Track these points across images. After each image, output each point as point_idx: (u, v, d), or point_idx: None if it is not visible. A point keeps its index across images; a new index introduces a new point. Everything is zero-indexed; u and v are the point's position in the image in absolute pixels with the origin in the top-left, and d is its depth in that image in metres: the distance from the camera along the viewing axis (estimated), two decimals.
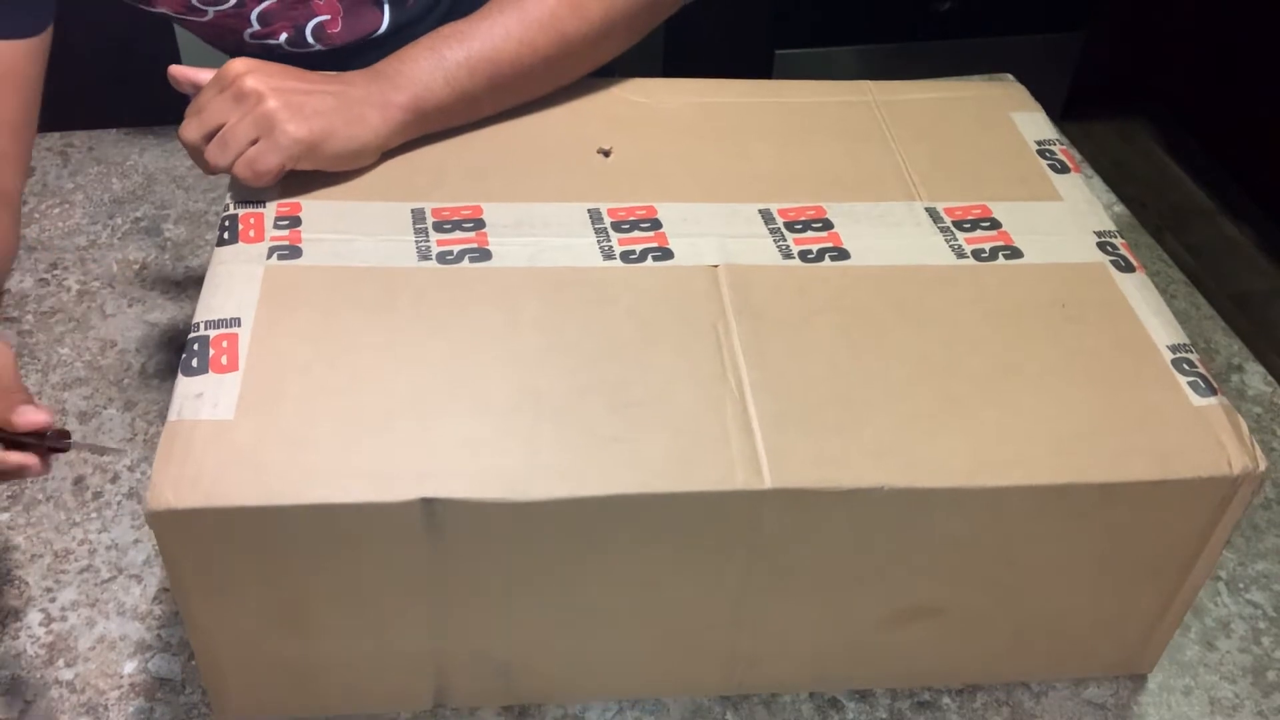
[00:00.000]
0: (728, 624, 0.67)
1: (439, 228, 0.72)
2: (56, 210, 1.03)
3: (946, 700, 0.72)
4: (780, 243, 0.74)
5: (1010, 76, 0.98)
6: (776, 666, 0.70)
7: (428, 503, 0.58)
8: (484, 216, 0.73)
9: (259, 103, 0.71)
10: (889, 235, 0.75)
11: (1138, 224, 1.09)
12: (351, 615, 0.64)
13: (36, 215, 1.02)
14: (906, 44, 2.04)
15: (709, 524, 0.62)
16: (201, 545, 0.59)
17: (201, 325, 0.65)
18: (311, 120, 0.72)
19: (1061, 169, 0.83)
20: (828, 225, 0.75)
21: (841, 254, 0.73)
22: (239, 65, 0.73)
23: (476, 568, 0.62)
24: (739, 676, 0.70)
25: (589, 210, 0.75)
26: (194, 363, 0.63)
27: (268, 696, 0.68)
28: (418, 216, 0.73)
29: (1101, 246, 0.76)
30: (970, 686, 0.73)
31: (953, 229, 0.76)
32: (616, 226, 0.74)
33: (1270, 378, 0.95)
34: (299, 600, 0.63)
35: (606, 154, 0.80)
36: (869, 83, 0.89)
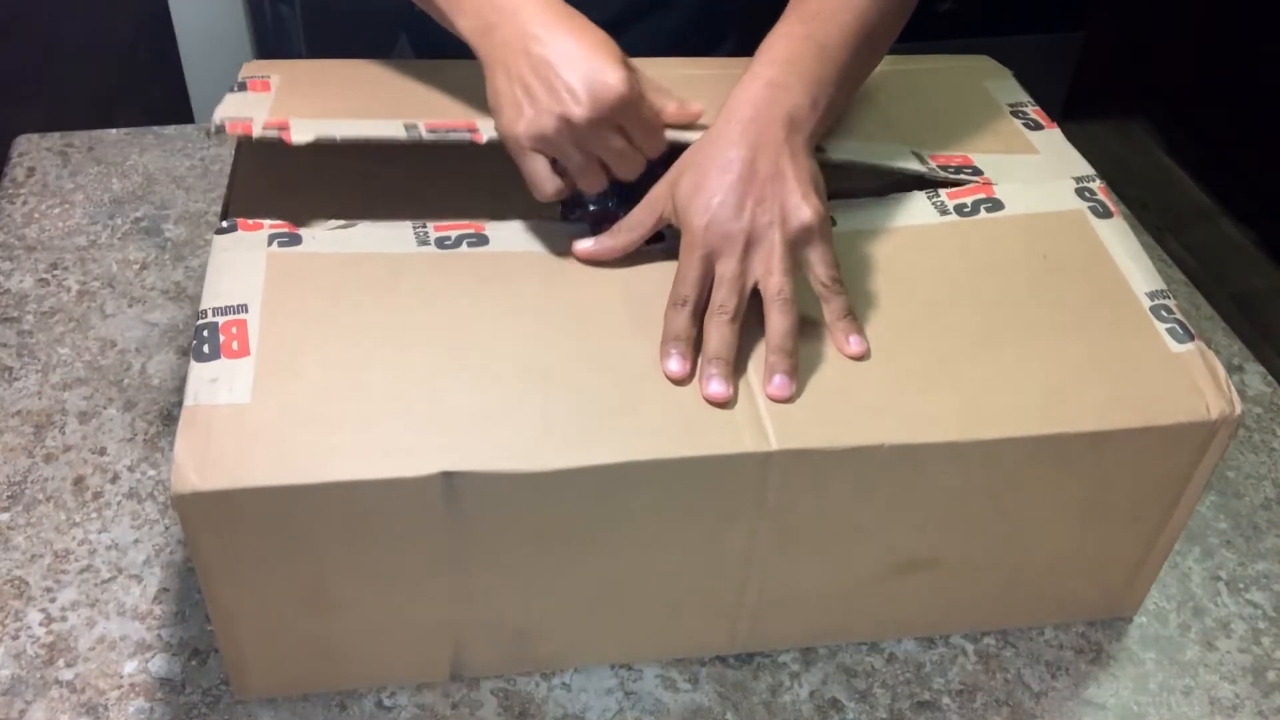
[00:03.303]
0: (736, 582, 0.69)
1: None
2: (56, 210, 1.03)
3: (946, 700, 0.72)
4: None
5: (988, 58, 0.98)
6: (781, 623, 0.72)
7: (448, 476, 0.60)
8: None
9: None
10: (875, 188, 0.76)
11: (1138, 224, 1.09)
12: (373, 589, 0.65)
13: (36, 215, 1.02)
14: (906, 44, 2.04)
15: (718, 486, 0.64)
16: (226, 526, 0.60)
17: (209, 312, 0.66)
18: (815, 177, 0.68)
19: (1035, 126, 0.85)
20: None
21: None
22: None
23: (494, 537, 0.64)
24: (746, 633, 0.72)
25: None
26: (205, 349, 0.63)
27: (288, 674, 0.69)
28: None
29: (1080, 193, 0.78)
30: (970, 686, 0.73)
31: (938, 191, 0.77)
32: None
33: (1270, 378, 0.95)
34: (321, 577, 0.64)
35: None
36: None
